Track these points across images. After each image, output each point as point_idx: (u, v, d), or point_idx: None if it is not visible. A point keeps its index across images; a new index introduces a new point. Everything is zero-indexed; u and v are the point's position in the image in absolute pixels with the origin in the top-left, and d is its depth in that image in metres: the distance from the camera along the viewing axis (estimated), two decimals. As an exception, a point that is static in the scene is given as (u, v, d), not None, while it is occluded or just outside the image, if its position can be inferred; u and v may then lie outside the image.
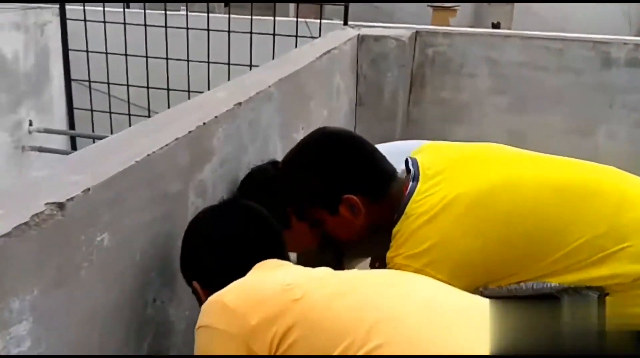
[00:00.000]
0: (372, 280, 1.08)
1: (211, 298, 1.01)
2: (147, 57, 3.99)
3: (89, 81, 4.17)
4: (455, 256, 1.21)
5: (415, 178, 1.33)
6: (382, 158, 1.40)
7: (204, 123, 1.38)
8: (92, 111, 4.19)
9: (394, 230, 1.29)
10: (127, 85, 4.01)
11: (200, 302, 1.10)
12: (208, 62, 3.76)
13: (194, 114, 1.43)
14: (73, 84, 4.29)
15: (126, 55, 3.92)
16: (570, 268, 1.17)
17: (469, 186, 1.26)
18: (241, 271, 1.07)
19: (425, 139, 1.65)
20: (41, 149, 3.95)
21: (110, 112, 4.02)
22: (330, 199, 1.34)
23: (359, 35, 3.12)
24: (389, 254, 1.28)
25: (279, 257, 1.15)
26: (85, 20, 3.84)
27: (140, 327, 1.19)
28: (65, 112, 4.25)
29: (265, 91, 1.77)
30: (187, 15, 3.82)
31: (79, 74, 4.17)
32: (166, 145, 1.21)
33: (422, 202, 1.27)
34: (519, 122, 3.28)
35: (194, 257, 1.18)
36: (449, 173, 1.31)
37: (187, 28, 3.72)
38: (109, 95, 4.07)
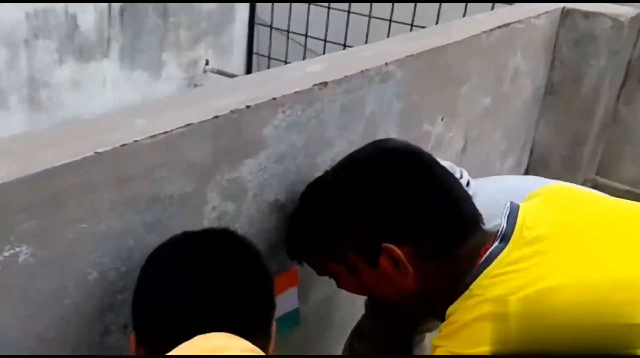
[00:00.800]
0: None
1: None
2: (329, 8, 3.74)
3: (271, 27, 4.03)
4: None
5: (505, 238, 0.87)
6: (460, 199, 0.96)
7: (248, 106, 1.03)
8: (269, 58, 4.06)
9: (449, 309, 0.86)
10: (305, 35, 3.80)
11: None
12: (390, 20, 3.41)
13: (246, 92, 1.09)
14: (256, 28, 4.19)
15: (309, 1, 3.71)
16: None
17: (573, 277, 0.78)
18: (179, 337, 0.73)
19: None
20: (212, 91, 3.92)
21: (285, 62, 3.85)
22: (366, 245, 0.95)
23: (563, 8, 2.48)
24: (434, 340, 0.86)
25: (239, 329, 0.78)
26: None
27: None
28: (243, 56, 4.17)
29: (377, 69, 1.36)
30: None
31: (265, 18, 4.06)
32: (165, 132, 0.89)
33: (498, 280, 0.82)
34: None
35: (134, 302, 0.86)
36: (554, 242, 0.84)
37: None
38: (288, 41, 3.90)
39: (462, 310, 0.83)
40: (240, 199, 1.09)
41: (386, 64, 1.39)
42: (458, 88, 1.80)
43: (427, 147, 1.73)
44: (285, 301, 1.29)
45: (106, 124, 0.89)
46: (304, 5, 3.77)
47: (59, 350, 0.84)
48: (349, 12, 3.60)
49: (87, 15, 3.13)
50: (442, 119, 1.79)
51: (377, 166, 0.98)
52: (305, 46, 3.80)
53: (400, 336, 1.28)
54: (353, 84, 1.28)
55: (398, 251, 0.91)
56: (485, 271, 0.84)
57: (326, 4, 3.68)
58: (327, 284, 1.43)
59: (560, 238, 0.84)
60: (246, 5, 4.06)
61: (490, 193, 1.13)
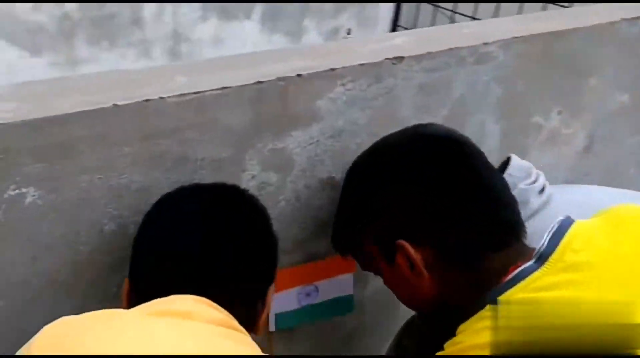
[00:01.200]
0: None
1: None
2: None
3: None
4: None
5: (542, 258, 0.73)
6: (501, 202, 0.84)
7: (299, 75, 0.97)
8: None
9: (460, 327, 0.75)
10: (452, 11, 3.62)
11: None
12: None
13: (307, 59, 1.02)
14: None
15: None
16: None
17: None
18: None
19: None
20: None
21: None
22: (382, 239, 0.86)
23: None
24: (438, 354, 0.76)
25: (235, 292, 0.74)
26: None
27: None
28: (387, 29, 4.07)
29: (472, 49, 1.23)
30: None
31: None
32: (197, 92, 0.86)
33: (515, 309, 0.69)
34: None
35: (135, 246, 0.83)
36: (596, 274, 0.69)
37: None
38: (435, 14, 3.74)
39: (471, 332, 0.72)
40: (286, 172, 1.04)
41: (485, 44, 1.25)
42: (584, 80, 1.59)
43: (534, 141, 1.56)
44: (339, 285, 1.23)
45: (144, 78, 0.88)
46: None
47: (68, 293, 0.86)
48: None
49: (233, -25, 3.21)
50: (559, 113, 1.60)
51: (403, 151, 0.88)
52: (452, 20, 3.62)
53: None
54: (437, 62, 1.16)
55: (412, 251, 0.81)
56: (507, 293, 0.72)
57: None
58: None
59: (605, 270, 0.69)
60: (396, -24, 3.94)
61: (563, 203, 0.98)
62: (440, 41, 1.19)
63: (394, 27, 4.13)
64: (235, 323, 0.71)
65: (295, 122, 1.01)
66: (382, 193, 0.86)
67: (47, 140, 0.75)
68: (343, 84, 1.04)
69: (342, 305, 1.27)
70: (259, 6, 3.39)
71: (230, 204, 0.83)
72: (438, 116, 1.25)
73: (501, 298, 0.71)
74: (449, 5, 3.65)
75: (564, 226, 0.76)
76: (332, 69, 1.01)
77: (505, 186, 0.87)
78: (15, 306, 0.83)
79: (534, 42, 1.36)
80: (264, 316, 0.82)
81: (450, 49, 1.18)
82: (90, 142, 0.78)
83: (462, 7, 3.61)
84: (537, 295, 0.70)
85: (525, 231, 0.84)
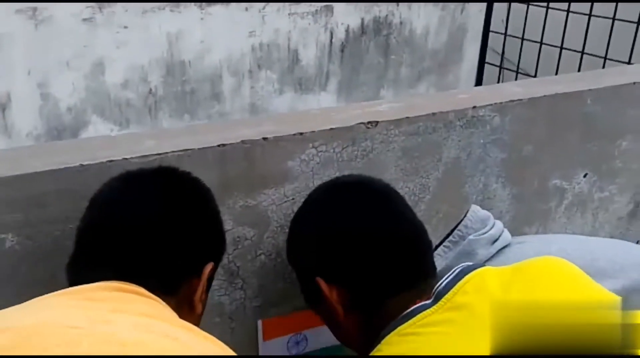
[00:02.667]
0: None
1: None
2: (561, 48, 3.46)
3: (501, 67, 3.88)
4: None
5: (437, 298, 0.79)
6: (409, 243, 0.89)
7: (265, 138, 1.06)
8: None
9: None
10: (532, 76, 3.57)
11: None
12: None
13: (277, 125, 1.11)
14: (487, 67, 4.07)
15: (562, 48, 3.42)
16: None
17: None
18: None
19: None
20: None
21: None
22: (304, 275, 0.97)
23: None
24: None
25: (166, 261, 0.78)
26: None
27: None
28: (467, 96, 4.08)
29: (460, 113, 1.26)
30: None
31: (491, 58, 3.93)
32: (158, 154, 0.97)
33: (405, 340, 0.76)
34: None
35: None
36: (473, 315, 0.73)
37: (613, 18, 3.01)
38: (516, 78, 3.71)
39: None
40: (262, 228, 1.11)
41: (474, 107, 1.28)
42: (612, 142, 1.55)
43: (559, 204, 1.53)
44: (329, 334, 1.26)
45: (115, 142, 1.01)
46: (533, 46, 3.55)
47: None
48: (613, 19, 3.12)
49: (308, 50, 3.42)
50: (585, 176, 1.56)
51: (318, 200, 0.98)
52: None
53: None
54: (418, 126, 1.21)
55: (326, 288, 0.88)
56: (398, 328, 0.77)
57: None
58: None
59: (480, 314, 0.71)
60: (476, 45, 3.98)
61: (518, 255, 0.99)
62: (425, 107, 1.24)
63: (475, 94, 4.13)
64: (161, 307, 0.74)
65: (266, 182, 1.09)
66: (300, 235, 0.98)
67: (21, 193, 0.89)
68: (315, 147, 1.11)
69: (333, 352, 1.29)
70: (334, 78, 3.56)
71: (164, 185, 0.86)
72: (430, 178, 1.28)
73: (394, 332, 0.76)
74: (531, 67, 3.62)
75: (464, 270, 0.79)
76: (300, 133, 1.09)
77: (420, 232, 0.90)
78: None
79: (536, 104, 1.36)
80: (198, 293, 0.84)
81: (433, 114, 1.22)
82: (58, 196, 0.91)
83: (543, 71, 3.56)
84: (422, 330, 0.75)
85: (435, 274, 0.88)
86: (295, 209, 1.13)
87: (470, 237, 1.04)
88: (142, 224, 0.80)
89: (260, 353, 1.17)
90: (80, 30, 2.68)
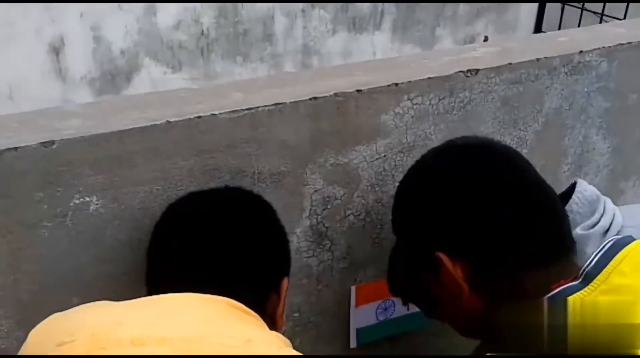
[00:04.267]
0: None
1: None
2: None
3: (564, 2, 3.65)
4: None
5: (587, 279, 0.68)
6: (549, 219, 0.78)
7: (359, 90, 0.96)
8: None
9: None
10: (602, 14, 3.35)
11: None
12: None
13: (371, 74, 1.02)
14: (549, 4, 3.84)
15: None
16: None
17: None
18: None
19: None
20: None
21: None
22: (421, 251, 0.83)
23: None
24: None
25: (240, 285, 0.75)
26: None
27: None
28: (529, 34, 3.87)
29: (565, 58, 1.14)
30: None
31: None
32: (248, 109, 0.89)
33: None
34: None
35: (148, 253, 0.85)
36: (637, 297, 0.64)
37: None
38: (581, 16, 3.49)
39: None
40: (352, 187, 1.04)
41: (581, 52, 1.15)
42: None
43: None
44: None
45: (200, 94, 0.93)
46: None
47: (134, 293, 0.93)
48: None
49: (364, -13, 3.25)
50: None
51: (436, 167, 0.86)
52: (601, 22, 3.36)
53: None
54: (520, 73, 1.10)
55: (449, 264, 0.78)
56: None
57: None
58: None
59: None
60: (539, -21, 3.74)
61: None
62: (525, 52, 1.12)
63: (538, 31, 3.91)
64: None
65: (358, 138, 1.00)
66: (416, 205, 0.86)
67: (105, 153, 0.82)
68: (410, 99, 1.01)
69: (419, 319, 1.24)
70: (388, 16, 3.39)
71: (223, 203, 0.85)
72: (529, 131, 1.18)
73: None
74: (597, 5, 3.39)
75: (616, 246, 0.69)
76: (395, 84, 0.99)
77: (553, 199, 0.81)
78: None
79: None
80: (280, 308, 0.83)
81: (537, 60, 1.11)
82: (144, 155, 0.85)
83: (612, 8, 3.33)
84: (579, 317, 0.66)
85: (575, 248, 0.78)
86: (387, 166, 1.05)
87: (578, 230, 0.88)
88: (232, 241, 0.79)
89: (352, 318, 1.12)
90: (132, -30, 2.58)
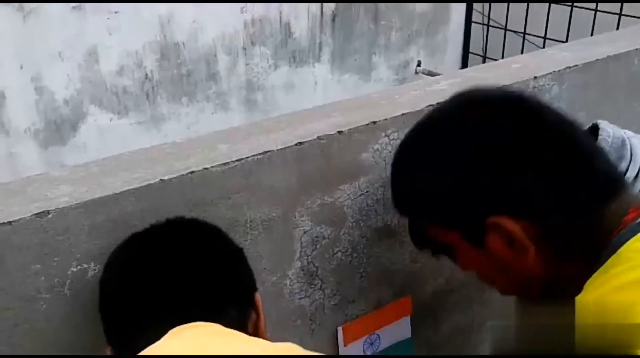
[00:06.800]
0: None
1: None
2: (550, 2, 3.43)
3: (488, 25, 3.84)
4: None
5: None
6: (595, 156, 0.75)
7: (340, 132, 0.99)
8: (485, 57, 3.87)
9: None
10: (524, 33, 3.54)
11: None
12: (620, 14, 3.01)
13: (344, 115, 1.05)
14: (473, 26, 4.03)
15: (550, 2, 3.40)
16: None
17: None
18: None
19: None
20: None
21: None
22: (464, 221, 0.77)
23: None
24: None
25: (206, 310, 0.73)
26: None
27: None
28: (456, 56, 4.04)
29: (523, 84, 1.21)
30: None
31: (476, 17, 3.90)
32: (239, 160, 0.90)
33: None
34: None
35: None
36: None
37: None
38: (505, 39, 3.67)
39: (598, 285, 0.66)
40: (339, 225, 1.06)
41: (535, 77, 1.23)
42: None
43: None
44: (399, 329, 1.23)
45: (186, 149, 0.94)
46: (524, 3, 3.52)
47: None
48: (572, 5, 3.26)
49: (300, 22, 3.31)
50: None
51: (473, 113, 0.78)
52: (523, 44, 3.55)
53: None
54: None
55: (510, 225, 0.72)
56: (630, 241, 0.66)
57: (547, -2, 3.38)
58: (459, 314, 1.33)
59: None
60: (462, 5, 3.93)
61: None
62: (486, 80, 1.19)
63: (465, 53, 4.09)
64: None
65: (341, 177, 1.03)
66: (445, 169, 0.77)
67: (102, 218, 0.82)
68: (387, 135, 1.05)
69: (403, 349, 1.27)
70: (326, 48, 3.47)
71: (169, 237, 0.81)
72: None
73: (631, 240, 0.66)
74: (519, 25, 3.58)
75: None
76: (374, 122, 1.03)
77: (589, 138, 0.78)
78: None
79: (590, 70, 1.32)
80: (262, 324, 0.81)
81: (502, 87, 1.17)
82: (141, 216, 0.84)
83: (532, 26, 3.53)
84: None
85: (625, 180, 0.77)
86: (370, 201, 1.09)
87: None
88: (196, 274, 0.77)
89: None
90: (70, 19, 2.54)
